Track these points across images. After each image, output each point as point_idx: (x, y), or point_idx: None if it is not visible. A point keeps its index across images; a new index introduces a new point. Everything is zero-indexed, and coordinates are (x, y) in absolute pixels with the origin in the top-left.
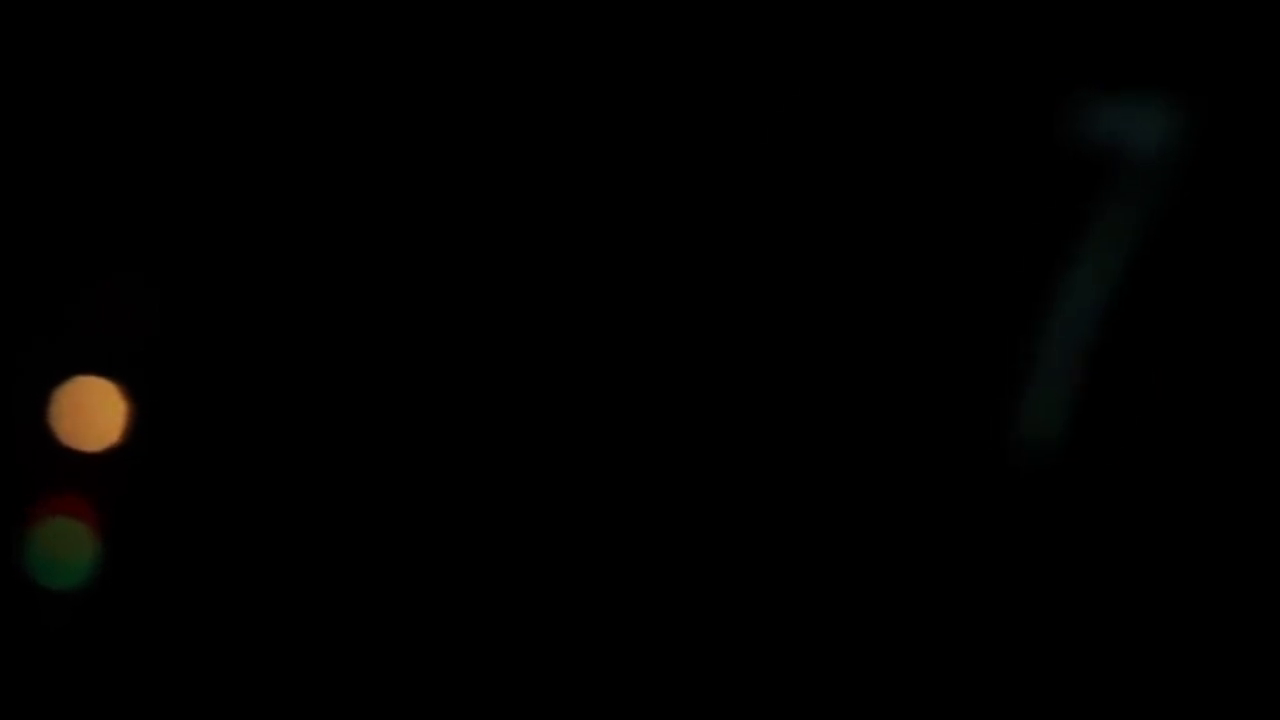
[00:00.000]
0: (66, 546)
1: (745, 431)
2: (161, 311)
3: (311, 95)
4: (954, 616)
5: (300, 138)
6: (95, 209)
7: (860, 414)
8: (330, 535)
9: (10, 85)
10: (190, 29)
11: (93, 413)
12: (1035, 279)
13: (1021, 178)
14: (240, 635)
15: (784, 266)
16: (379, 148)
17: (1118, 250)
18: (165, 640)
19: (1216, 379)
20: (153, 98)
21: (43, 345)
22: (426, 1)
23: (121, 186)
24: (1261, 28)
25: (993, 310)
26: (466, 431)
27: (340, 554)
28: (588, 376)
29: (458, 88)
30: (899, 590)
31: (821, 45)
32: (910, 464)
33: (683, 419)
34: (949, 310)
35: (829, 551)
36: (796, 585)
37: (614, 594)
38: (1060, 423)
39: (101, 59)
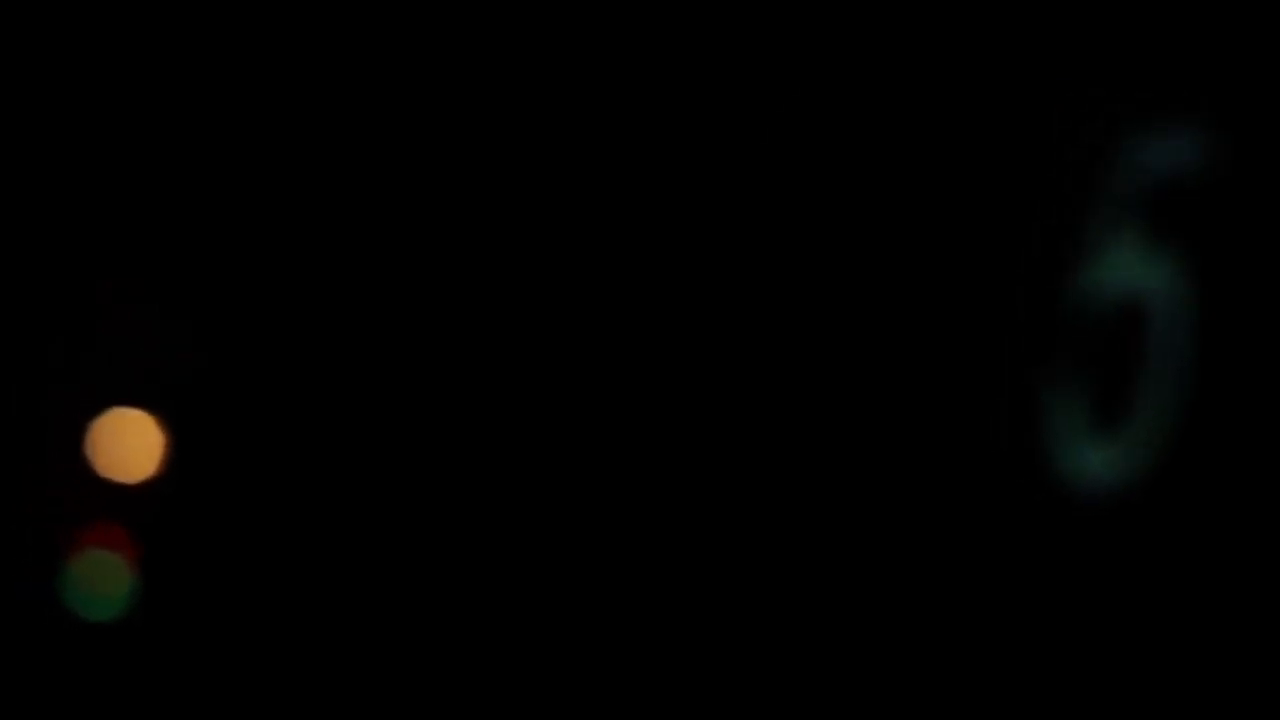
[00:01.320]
0: (103, 578)
1: (748, 436)
2: (198, 345)
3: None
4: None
5: (333, 181)
6: (134, 246)
7: (870, 421)
8: (365, 566)
9: (51, 127)
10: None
11: (129, 445)
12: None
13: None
14: (274, 663)
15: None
16: (401, 178)
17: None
18: (201, 670)
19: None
20: (199, 151)
21: (80, 378)
22: (427, 2)
23: (162, 225)
24: None
25: (1016, 329)
26: (497, 461)
27: (374, 583)
28: (587, 377)
29: (458, 88)
30: (902, 593)
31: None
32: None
33: (687, 421)
34: (972, 327)
35: (831, 555)
36: (797, 589)
37: (613, 594)
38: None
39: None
